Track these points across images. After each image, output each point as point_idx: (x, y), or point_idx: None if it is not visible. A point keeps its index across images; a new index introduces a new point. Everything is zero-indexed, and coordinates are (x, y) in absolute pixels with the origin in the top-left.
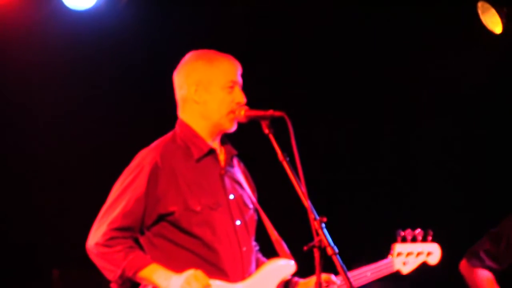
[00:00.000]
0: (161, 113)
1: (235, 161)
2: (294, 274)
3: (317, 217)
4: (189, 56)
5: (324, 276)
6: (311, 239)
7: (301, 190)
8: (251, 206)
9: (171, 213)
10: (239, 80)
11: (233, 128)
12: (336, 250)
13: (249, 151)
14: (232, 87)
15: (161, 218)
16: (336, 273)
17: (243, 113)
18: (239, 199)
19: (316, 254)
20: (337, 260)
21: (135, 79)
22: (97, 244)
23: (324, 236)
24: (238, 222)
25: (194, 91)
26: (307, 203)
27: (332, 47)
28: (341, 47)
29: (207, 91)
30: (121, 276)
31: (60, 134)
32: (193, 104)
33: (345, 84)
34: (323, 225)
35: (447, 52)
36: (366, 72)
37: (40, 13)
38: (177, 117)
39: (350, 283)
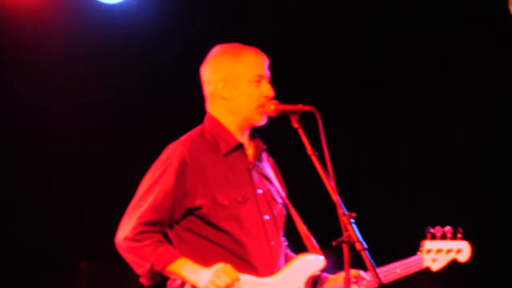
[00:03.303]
0: (191, 107)
1: (264, 156)
2: (323, 270)
3: (346, 213)
4: (215, 51)
5: (353, 272)
6: (340, 234)
7: (330, 185)
8: (279, 200)
9: (199, 207)
10: (267, 73)
11: (262, 121)
12: (365, 246)
13: (278, 146)
14: (259, 81)
15: (190, 212)
16: (365, 269)
17: (272, 107)
18: (268, 193)
19: (345, 249)
20: (366, 256)
21: (165, 73)
22: (126, 238)
23: (353, 232)
24: (266, 217)
25: (222, 87)
26: (336, 198)
27: (362, 41)
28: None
29: (234, 87)
30: (150, 271)
31: (88, 127)
32: (221, 100)
33: (374, 78)
34: (352, 220)
35: (476, 48)
36: (395, 67)
37: (70, 6)
38: (206, 111)
39: (379, 278)
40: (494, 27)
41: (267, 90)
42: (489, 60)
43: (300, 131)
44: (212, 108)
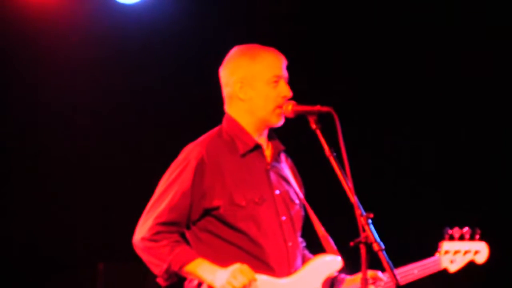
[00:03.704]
0: (209, 107)
1: (283, 156)
2: (341, 271)
3: (364, 213)
4: (233, 52)
5: (370, 272)
6: (358, 235)
7: (347, 186)
8: (297, 201)
9: (217, 208)
10: (284, 73)
11: (280, 123)
12: (383, 246)
13: (296, 146)
14: (276, 82)
15: (207, 212)
16: (383, 270)
17: (290, 108)
18: (285, 194)
19: (362, 250)
20: (383, 256)
21: (183, 73)
22: (143, 238)
23: (370, 232)
24: (283, 217)
25: (239, 89)
26: (353, 198)
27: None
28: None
29: (252, 88)
30: (167, 271)
31: (104, 128)
32: (239, 101)
33: (392, 78)
34: (370, 221)
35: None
36: (415, 65)
37: (87, 6)
38: (224, 112)
39: (397, 279)
40: (495, 27)
41: (285, 90)
42: (490, 60)
43: (318, 132)
44: (230, 109)
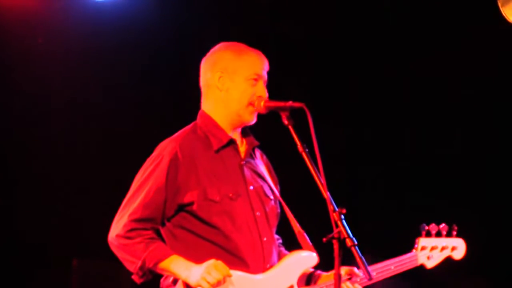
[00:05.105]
0: (184, 104)
1: (258, 153)
2: (317, 267)
3: (336, 209)
4: (219, 46)
5: (346, 268)
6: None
7: (320, 182)
8: (272, 197)
9: (191, 203)
10: (264, 75)
11: (252, 121)
12: (355, 242)
13: (269, 142)
14: (256, 80)
15: (181, 208)
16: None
17: (262, 104)
18: (260, 190)
19: (335, 245)
20: (356, 252)
21: (157, 70)
22: (118, 236)
23: (343, 228)
24: (258, 213)
25: (218, 78)
26: (326, 194)
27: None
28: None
29: (231, 80)
30: (142, 268)
31: (80, 126)
32: (216, 90)
33: (368, 73)
34: (342, 216)
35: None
36: (389, 63)
37: (61, 3)
38: (200, 108)
39: (369, 274)
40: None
41: (261, 91)
42: (489, 60)
43: (290, 128)
44: (206, 101)
